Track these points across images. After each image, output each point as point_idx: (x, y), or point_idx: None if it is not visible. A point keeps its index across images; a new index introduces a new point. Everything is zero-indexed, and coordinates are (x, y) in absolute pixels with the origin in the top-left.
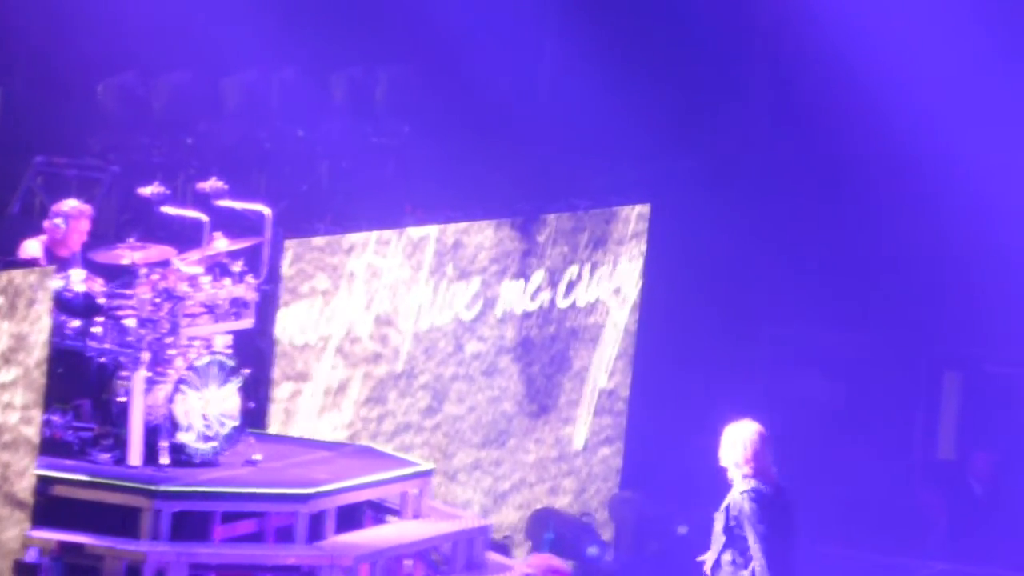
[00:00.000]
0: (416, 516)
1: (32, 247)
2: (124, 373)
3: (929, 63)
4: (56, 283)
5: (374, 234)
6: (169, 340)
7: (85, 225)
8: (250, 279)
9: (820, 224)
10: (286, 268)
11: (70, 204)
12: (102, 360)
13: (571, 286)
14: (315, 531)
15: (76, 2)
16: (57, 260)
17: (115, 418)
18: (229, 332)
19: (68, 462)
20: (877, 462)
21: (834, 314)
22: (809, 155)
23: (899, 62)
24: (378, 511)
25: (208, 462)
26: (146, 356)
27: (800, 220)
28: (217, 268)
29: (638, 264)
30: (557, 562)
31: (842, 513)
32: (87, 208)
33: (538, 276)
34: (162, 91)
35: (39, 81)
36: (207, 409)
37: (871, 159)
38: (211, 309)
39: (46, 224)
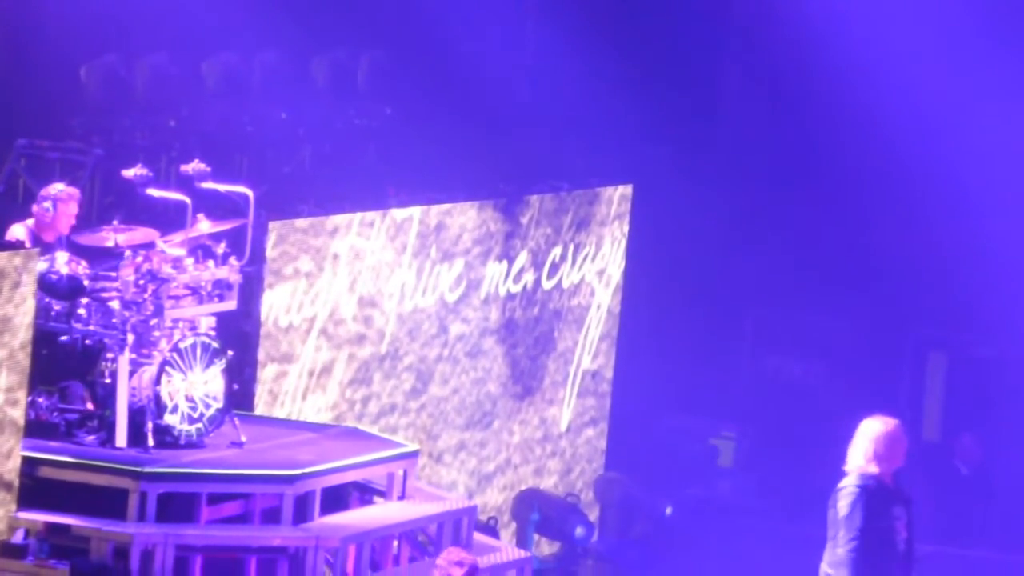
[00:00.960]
0: (402, 497)
1: (18, 231)
2: (109, 355)
3: (908, 44)
4: (40, 265)
5: (357, 216)
6: (153, 322)
7: (73, 208)
8: (233, 261)
9: (804, 205)
10: (270, 250)
11: (58, 188)
12: (87, 342)
13: (555, 267)
14: (301, 512)
15: None
16: (43, 244)
17: (101, 400)
18: (213, 314)
19: (54, 444)
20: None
21: (817, 295)
22: (793, 137)
23: (878, 43)
24: (364, 492)
25: (193, 444)
26: (131, 338)
27: (784, 201)
28: (200, 250)
29: (621, 245)
30: (464, 556)
31: (825, 494)
32: (75, 192)
33: (522, 257)
34: (144, 73)
35: (20, 63)
36: (192, 391)
37: (854, 141)
38: (195, 291)
39: (35, 208)
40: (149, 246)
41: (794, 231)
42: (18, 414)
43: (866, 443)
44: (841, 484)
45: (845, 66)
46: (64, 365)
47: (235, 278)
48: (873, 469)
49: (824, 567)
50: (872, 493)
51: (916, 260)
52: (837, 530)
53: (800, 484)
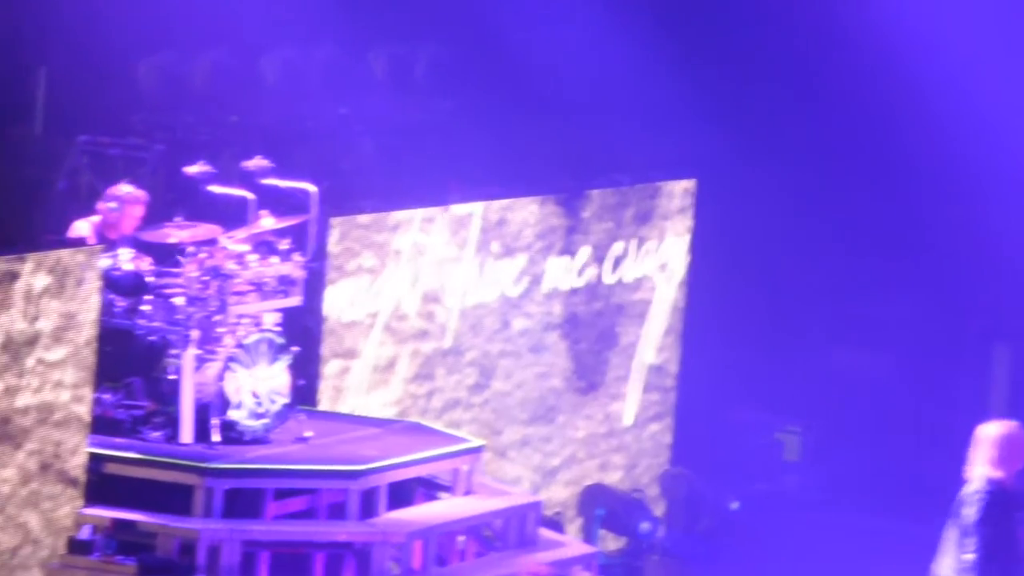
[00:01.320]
0: (467, 493)
1: (82, 228)
2: (174, 351)
3: (976, 25)
4: (104, 262)
5: (419, 211)
6: (218, 318)
7: (139, 211)
8: (297, 257)
9: (867, 197)
10: (332, 246)
11: (125, 190)
12: (152, 338)
13: (617, 262)
14: (367, 508)
15: None
16: (106, 242)
17: (166, 396)
18: (277, 310)
19: (120, 440)
20: (925, 435)
21: (882, 287)
22: (857, 128)
23: (946, 32)
24: (429, 488)
25: (259, 439)
26: (195, 334)
27: (847, 194)
28: (264, 246)
29: (685, 240)
30: (540, 566)
31: (891, 486)
32: (142, 194)
33: (584, 252)
34: (203, 69)
35: (81, 61)
36: (257, 386)
37: (919, 132)
38: (259, 287)
39: (100, 207)
40: (212, 242)
41: (857, 223)
42: (84, 411)
43: (987, 448)
44: (967, 490)
45: (912, 53)
46: (129, 362)
47: (299, 274)
48: (997, 473)
49: (945, 572)
50: (998, 498)
51: (980, 249)
52: (963, 536)
53: (866, 477)
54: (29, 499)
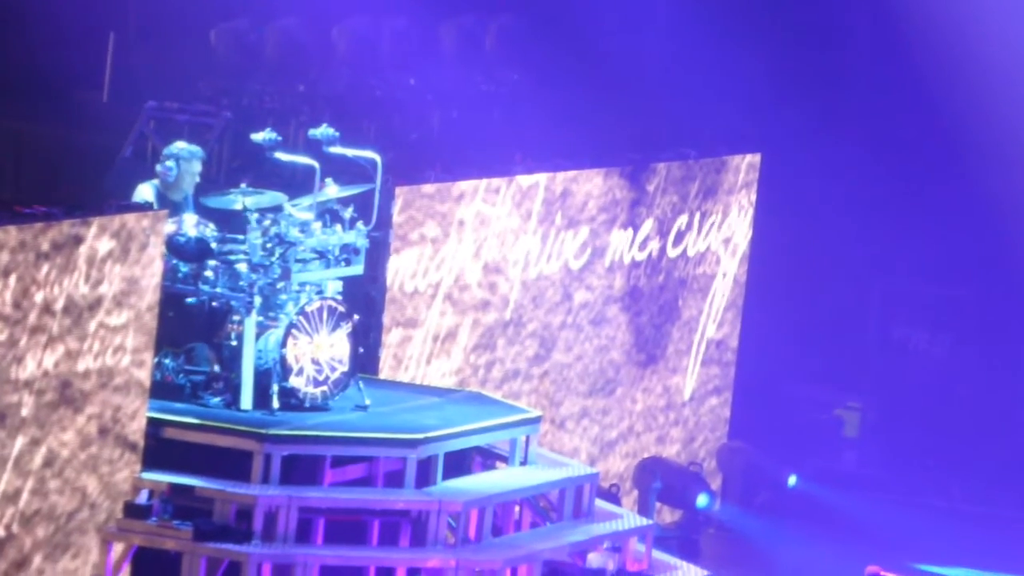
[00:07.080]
0: (524, 463)
1: (145, 191)
2: (235, 317)
3: None
4: (168, 227)
5: (483, 182)
6: (280, 285)
7: (197, 167)
8: (361, 226)
9: (931, 176)
10: (396, 215)
11: (180, 146)
12: (214, 304)
13: (680, 236)
14: (424, 476)
15: None
16: (170, 204)
17: (226, 362)
18: (340, 278)
19: (179, 405)
20: (984, 417)
21: (945, 265)
22: (922, 106)
23: (1008, 7)
24: (487, 457)
25: (318, 406)
26: (258, 301)
27: (911, 172)
28: (328, 214)
29: (748, 214)
30: None
31: (950, 465)
32: (198, 150)
33: (647, 225)
34: (273, 37)
35: (151, 27)
36: (317, 354)
37: (985, 109)
38: (322, 255)
39: (158, 167)
40: (277, 210)
41: (920, 202)
42: (144, 375)
43: None
44: None
45: (978, 30)
46: (190, 327)
47: (362, 243)
48: None
49: None
50: None
51: None
52: None
53: (926, 455)
54: (88, 463)
